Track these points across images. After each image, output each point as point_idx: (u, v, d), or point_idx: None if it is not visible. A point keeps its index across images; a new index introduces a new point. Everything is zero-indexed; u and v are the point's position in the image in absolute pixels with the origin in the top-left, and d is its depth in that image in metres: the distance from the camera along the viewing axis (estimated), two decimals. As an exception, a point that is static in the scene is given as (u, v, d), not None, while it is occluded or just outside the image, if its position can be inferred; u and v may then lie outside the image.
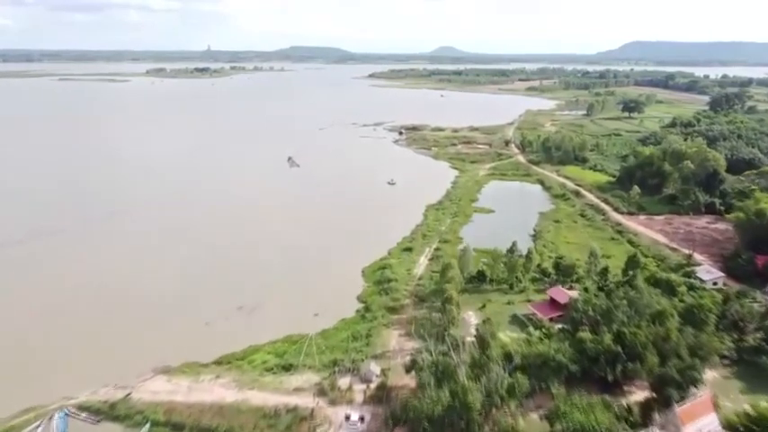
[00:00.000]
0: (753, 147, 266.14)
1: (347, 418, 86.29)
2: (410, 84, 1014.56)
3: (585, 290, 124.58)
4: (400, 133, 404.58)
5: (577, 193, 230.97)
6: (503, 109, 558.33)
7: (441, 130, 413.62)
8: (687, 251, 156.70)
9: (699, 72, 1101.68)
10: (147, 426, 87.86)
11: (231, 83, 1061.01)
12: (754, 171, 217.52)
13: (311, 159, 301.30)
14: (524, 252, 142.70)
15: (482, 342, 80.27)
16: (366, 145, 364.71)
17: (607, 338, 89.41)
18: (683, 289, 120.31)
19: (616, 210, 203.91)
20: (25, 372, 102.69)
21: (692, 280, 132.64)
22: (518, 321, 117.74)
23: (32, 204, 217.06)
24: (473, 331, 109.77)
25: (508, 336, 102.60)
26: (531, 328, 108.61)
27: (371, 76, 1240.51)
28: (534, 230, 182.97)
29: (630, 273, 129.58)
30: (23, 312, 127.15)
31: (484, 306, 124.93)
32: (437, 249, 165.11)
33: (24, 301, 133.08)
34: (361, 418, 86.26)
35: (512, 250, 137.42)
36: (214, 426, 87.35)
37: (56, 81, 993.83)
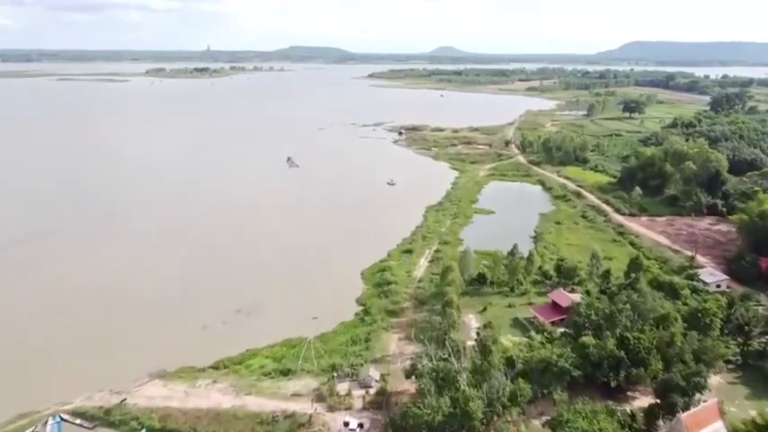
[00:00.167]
0: (755, 147, 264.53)
1: (346, 424, 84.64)
2: (410, 84, 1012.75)
3: (587, 293, 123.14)
4: (400, 133, 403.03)
5: (578, 194, 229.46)
6: (503, 109, 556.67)
7: (441, 130, 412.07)
8: (690, 253, 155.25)
9: (699, 72, 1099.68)
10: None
11: (231, 83, 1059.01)
12: (757, 172, 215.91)
13: (311, 160, 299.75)
14: (525, 254, 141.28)
15: (484, 348, 78.63)
16: (366, 145, 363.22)
17: (610, 343, 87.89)
18: (686, 292, 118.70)
19: (617, 211, 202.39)
20: (20, 375, 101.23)
21: (695, 283, 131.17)
22: (519, 325, 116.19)
23: (31, 204, 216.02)
24: (474, 335, 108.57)
25: (510, 340, 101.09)
26: (532, 332, 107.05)
27: (371, 76, 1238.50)
28: (535, 232, 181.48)
29: (633, 275, 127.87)
30: (19, 314, 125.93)
31: (485, 309, 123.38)
32: (437, 251, 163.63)
33: (20, 302, 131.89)
34: (360, 425, 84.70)
35: (513, 252, 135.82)
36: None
37: (55, 81, 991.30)
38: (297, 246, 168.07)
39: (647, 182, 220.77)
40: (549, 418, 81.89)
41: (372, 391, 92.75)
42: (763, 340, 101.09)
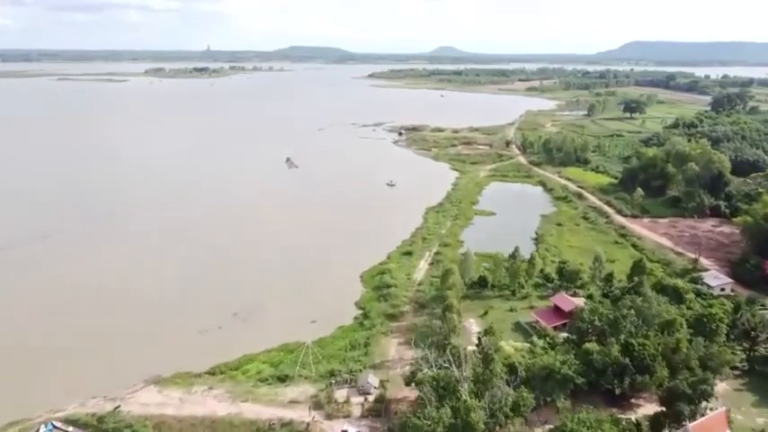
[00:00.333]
0: (757, 148, 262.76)
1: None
2: (410, 84, 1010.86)
3: (590, 297, 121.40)
4: (400, 134, 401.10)
5: (580, 196, 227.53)
6: (503, 109, 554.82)
7: (441, 130, 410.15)
8: (693, 255, 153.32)
9: (699, 72, 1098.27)
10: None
11: (230, 83, 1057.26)
12: (761, 173, 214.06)
13: (310, 160, 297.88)
14: (526, 256, 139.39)
15: (486, 356, 76.61)
16: (365, 146, 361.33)
17: (615, 350, 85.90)
18: (690, 296, 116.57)
19: (619, 212, 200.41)
20: (12, 381, 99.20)
21: (699, 286, 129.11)
22: (521, 329, 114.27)
23: (29, 205, 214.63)
24: (474, 340, 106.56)
25: (512, 345, 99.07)
26: (534, 337, 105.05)
27: (371, 76, 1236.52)
28: (536, 234, 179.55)
29: (636, 279, 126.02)
30: (13, 316, 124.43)
31: (486, 313, 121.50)
32: (437, 253, 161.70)
33: (15, 304, 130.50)
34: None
35: (514, 255, 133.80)
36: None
37: (54, 81, 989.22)
38: (295, 247, 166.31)
39: (648, 183, 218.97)
40: (552, 426, 79.87)
41: (371, 398, 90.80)
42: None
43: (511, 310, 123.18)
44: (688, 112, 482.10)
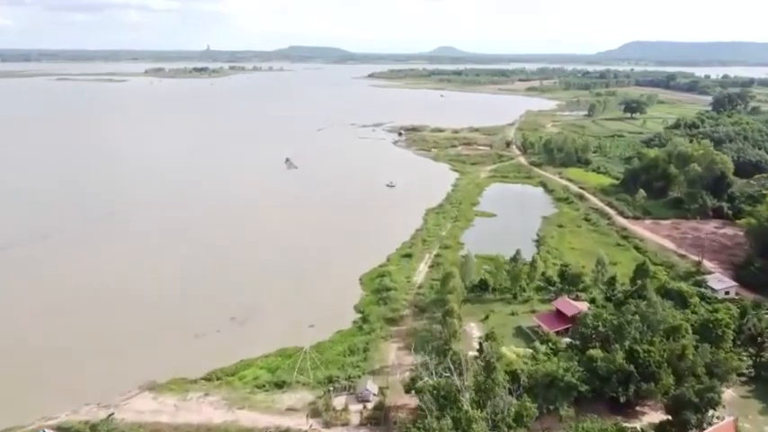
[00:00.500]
0: (759, 149, 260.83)
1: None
2: (410, 84, 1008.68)
3: (593, 300, 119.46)
4: (400, 134, 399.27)
5: (581, 197, 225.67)
6: (503, 109, 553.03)
7: (441, 130, 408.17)
8: (696, 258, 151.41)
9: (699, 72, 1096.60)
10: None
11: (230, 83, 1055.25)
12: (764, 175, 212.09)
13: (309, 160, 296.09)
14: (528, 258, 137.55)
15: (488, 365, 74.68)
16: (365, 146, 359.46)
17: (619, 356, 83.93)
18: (695, 300, 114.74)
19: (621, 214, 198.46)
20: (3, 386, 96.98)
21: (703, 290, 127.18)
22: (523, 334, 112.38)
23: (27, 205, 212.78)
24: (475, 345, 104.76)
25: (513, 351, 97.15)
26: (536, 343, 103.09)
27: (371, 76, 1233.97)
28: (537, 235, 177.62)
29: (639, 282, 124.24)
30: (6, 319, 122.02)
31: (487, 317, 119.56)
32: (437, 255, 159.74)
33: (8, 307, 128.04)
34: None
35: (515, 258, 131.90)
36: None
37: (53, 81, 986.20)
38: (294, 249, 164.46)
39: (650, 184, 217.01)
40: (555, 436, 78.22)
41: (370, 405, 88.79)
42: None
43: (512, 314, 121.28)
44: (689, 112, 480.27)
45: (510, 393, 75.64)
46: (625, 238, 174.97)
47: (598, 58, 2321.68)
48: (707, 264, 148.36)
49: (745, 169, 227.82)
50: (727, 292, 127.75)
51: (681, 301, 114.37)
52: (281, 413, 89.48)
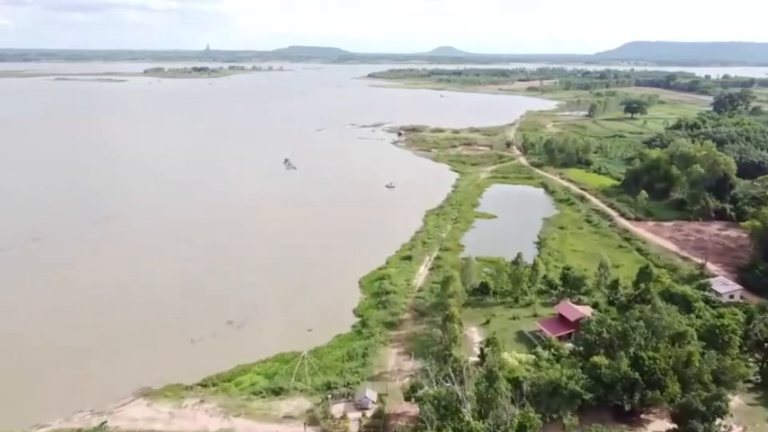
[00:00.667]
0: (762, 149, 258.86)
1: (340, 451, 78.90)
2: (409, 84, 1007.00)
3: (596, 305, 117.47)
4: (399, 134, 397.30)
5: (582, 198, 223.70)
6: (503, 109, 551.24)
7: (440, 131, 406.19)
8: (699, 260, 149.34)
9: (699, 72, 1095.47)
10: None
11: (229, 83, 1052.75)
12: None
13: (309, 161, 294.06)
14: (529, 261, 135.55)
15: (490, 374, 72.64)
16: (364, 146, 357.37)
17: (624, 364, 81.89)
18: (699, 305, 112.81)
19: (623, 215, 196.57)
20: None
21: (707, 293, 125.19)
22: (524, 339, 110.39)
23: (19, 207, 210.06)
24: (476, 350, 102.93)
25: (515, 357, 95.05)
26: (539, 348, 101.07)
27: (370, 76, 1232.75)
28: (539, 237, 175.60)
29: (642, 285, 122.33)
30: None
31: (488, 322, 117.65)
32: (438, 258, 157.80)
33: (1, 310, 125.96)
34: (356, 453, 78.92)
35: (516, 262, 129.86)
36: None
37: (51, 81, 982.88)
38: (293, 252, 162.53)
39: (652, 185, 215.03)
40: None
41: (369, 413, 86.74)
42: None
43: (514, 318, 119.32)
44: (690, 112, 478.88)
45: (513, 402, 73.59)
46: (627, 240, 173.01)
47: (597, 59, 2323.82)
48: (710, 266, 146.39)
49: (748, 170, 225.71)
50: (731, 296, 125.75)
51: (685, 305, 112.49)
52: (278, 421, 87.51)
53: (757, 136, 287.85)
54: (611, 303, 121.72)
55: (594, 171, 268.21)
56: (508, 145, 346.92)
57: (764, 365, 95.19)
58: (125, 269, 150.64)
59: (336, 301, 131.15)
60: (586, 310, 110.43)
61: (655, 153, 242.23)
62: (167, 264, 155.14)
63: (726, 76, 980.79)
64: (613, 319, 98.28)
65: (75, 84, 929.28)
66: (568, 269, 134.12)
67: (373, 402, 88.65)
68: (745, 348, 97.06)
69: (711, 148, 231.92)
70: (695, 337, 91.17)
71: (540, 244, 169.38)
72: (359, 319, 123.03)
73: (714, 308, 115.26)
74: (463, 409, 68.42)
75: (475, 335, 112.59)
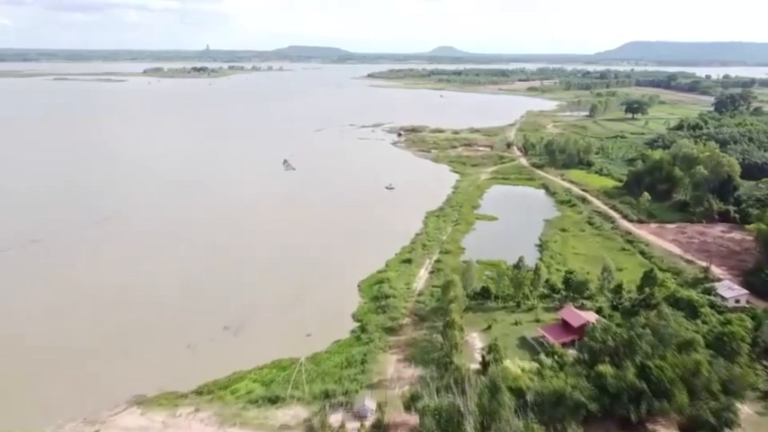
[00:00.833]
0: (765, 151, 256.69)
1: (338, 463, 76.62)
2: (409, 84, 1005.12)
3: (599, 310, 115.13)
4: (399, 135, 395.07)
5: (584, 199, 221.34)
6: (503, 110, 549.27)
7: (440, 131, 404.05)
8: (704, 263, 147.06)
9: (699, 72, 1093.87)
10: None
11: (229, 83, 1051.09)
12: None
13: (308, 162, 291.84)
14: (530, 264, 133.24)
15: (493, 386, 70.40)
16: (364, 147, 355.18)
17: (630, 373, 79.62)
18: (705, 310, 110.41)
19: (625, 217, 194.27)
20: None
21: (712, 297, 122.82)
22: (527, 345, 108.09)
23: (17, 208, 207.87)
24: (478, 357, 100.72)
25: (518, 365, 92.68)
26: (542, 355, 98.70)
27: (370, 76, 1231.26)
28: (540, 240, 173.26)
29: (647, 290, 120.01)
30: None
31: (489, 327, 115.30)
32: (438, 261, 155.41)
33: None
34: (354, 464, 76.64)
35: (518, 265, 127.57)
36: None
37: (51, 81, 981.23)
38: (291, 254, 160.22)
39: (654, 186, 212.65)
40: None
41: (368, 423, 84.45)
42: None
43: (515, 324, 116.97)
44: (691, 112, 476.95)
45: (516, 413, 71.33)
46: (630, 242, 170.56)
47: (597, 59, 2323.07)
48: (715, 270, 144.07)
49: (751, 172, 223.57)
50: (737, 301, 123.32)
51: (690, 310, 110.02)
52: (274, 431, 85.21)
53: (760, 137, 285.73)
54: (614, 308, 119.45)
55: (596, 172, 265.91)
56: (509, 146, 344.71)
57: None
58: (124, 269, 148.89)
59: (335, 305, 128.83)
60: (590, 316, 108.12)
61: (657, 154, 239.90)
62: (167, 264, 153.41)
63: (726, 77, 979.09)
64: (618, 326, 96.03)
65: (75, 84, 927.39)
66: (571, 273, 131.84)
67: (372, 412, 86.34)
68: (753, 356, 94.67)
69: (714, 149, 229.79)
70: (702, 345, 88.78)
71: (542, 246, 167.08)
72: (358, 324, 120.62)
73: (720, 313, 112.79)
74: (465, 423, 66.16)
75: (476, 341, 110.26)
